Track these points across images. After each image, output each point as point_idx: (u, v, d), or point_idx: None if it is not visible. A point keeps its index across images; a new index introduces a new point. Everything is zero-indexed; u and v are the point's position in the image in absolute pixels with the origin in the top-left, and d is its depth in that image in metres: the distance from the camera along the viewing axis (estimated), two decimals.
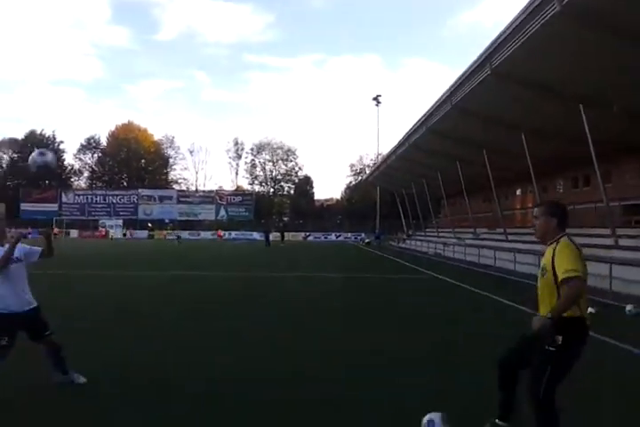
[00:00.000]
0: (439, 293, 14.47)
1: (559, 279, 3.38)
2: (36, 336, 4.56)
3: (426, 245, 38.05)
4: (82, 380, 4.90)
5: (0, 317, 4.30)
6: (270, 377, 5.55)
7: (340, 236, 66.94)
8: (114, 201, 71.53)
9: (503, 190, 35.79)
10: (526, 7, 12.58)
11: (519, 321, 10.15)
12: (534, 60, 14.79)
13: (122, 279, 15.85)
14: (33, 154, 4.79)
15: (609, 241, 17.86)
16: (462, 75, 18.33)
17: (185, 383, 5.26)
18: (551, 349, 3.39)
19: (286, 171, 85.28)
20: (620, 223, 20.39)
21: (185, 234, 62.65)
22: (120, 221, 68.29)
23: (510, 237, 26.40)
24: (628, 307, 10.72)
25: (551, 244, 3.61)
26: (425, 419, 3.90)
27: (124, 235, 63.84)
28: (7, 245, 4.37)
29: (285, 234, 50.61)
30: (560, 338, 3.36)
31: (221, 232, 65.12)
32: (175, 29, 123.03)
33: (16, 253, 4.38)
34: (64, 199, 70.95)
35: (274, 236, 48.56)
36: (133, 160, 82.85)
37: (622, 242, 17.15)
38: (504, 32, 14.17)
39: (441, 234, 41.41)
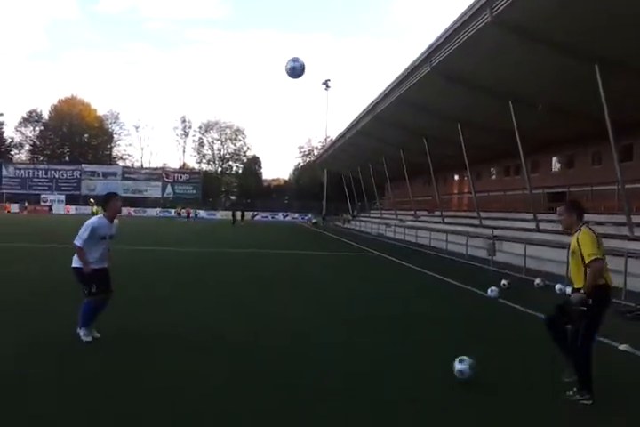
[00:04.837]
0: (374, 264, 17.00)
1: (585, 262, 4.63)
2: (105, 289, 6.13)
3: (369, 226, 39.78)
4: (95, 335, 6.11)
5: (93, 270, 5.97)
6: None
7: (287, 216, 68.18)
8: (56, 176, 69.70)
9: (442, 176, 37.91)
10: (462, 15, 14.03)
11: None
12: (469, 61, 16.36)
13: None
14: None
15: (532, 225, 19.99)
16: (405, 70, 19.76)
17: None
18: (583, 308, 4.63)
19: (235, 150, 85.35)
20: (544, 209, 22.46)
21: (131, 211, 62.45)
22: (62, 197, 66.99)
23: (446, 220, 28.43)
24: (537, 280, 12.58)
25: (575, 232, 4.85)
26: (456, 367, 5.03)
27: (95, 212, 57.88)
28: (116, 221, 6.17)
29: (236, 213, 48.47)
30: (590, 300, 4.60)
31: (190, 210, 58.91)
32: (120, 1, 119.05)
33: (112, 231, 6.19)
34: (4, 173, 68.67)
35: (227, 215, 48.24)
36: (76, 135, 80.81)
37: (543, 226, 19.19)
38: (442, 35, 15.61)
39: (384, 215, 43.30)
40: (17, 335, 6.26)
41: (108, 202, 6.12)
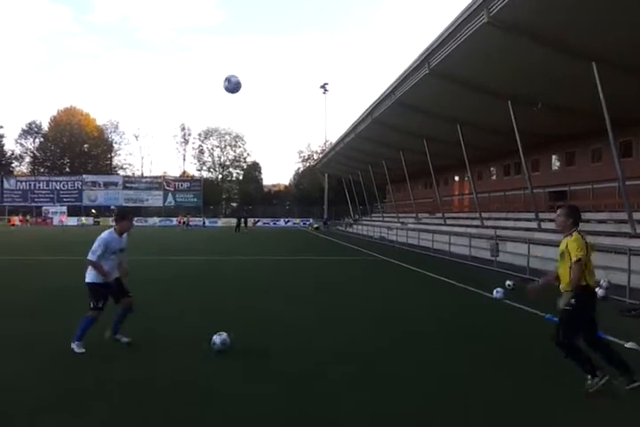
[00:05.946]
0: (377, 268, 17.32)
1: (572, 262, 4.83)
2: (118, 299, 6.28)
3: (371, 230, 39.71)
4: (125, 340, 6.32)
5: (100, 286, 6.10)
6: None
7: (288, 221, 68.05)
8: (57, 187, 69.60)
9: (443, 177, 37.93)
10: (459, 17, 14.06)
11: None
12: (467, 62, 16.37)
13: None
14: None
15: (534, 224, 19.96)
16: (404, 73, 19.77)
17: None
18: (567, 308, 4.83)
19: (234, 157, 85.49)
20: (545, 208, 22.42)
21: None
22: (64, 208, 67.06)
23: (448, 222, 28.39)
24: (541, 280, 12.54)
25: (566, 236, 5.05)
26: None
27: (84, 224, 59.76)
28: (125, 235, 6.29)
29: (241, 220, 47.57)
30: (573, 300, 4.80)
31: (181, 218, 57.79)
32: (116, 10, 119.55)
33: (122, 245, 6.29)
34: (5, 186, 68.77)
35: (228, 222, 48.82)
36: (76, 145, 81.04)
37: (544, 225, 19.16)
38: (440, 36, 15.63)
39: (386, 219, 43.23)
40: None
41: (123, 219, 6.30)
